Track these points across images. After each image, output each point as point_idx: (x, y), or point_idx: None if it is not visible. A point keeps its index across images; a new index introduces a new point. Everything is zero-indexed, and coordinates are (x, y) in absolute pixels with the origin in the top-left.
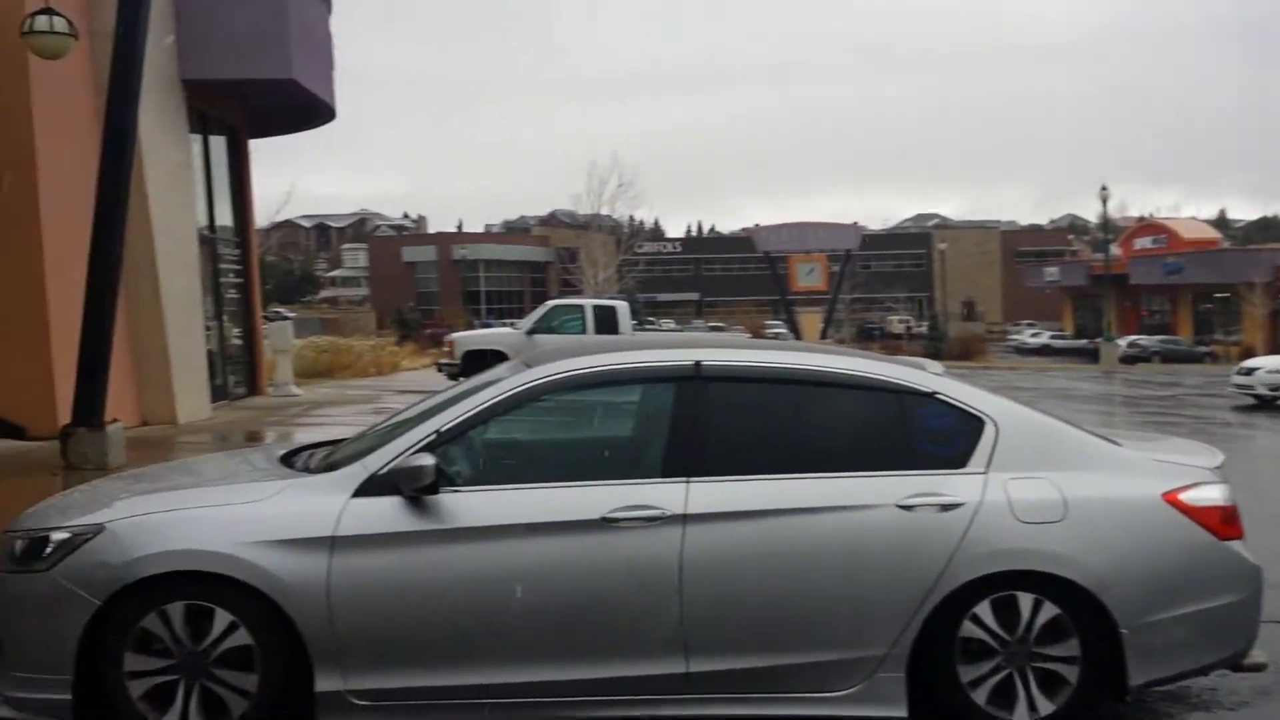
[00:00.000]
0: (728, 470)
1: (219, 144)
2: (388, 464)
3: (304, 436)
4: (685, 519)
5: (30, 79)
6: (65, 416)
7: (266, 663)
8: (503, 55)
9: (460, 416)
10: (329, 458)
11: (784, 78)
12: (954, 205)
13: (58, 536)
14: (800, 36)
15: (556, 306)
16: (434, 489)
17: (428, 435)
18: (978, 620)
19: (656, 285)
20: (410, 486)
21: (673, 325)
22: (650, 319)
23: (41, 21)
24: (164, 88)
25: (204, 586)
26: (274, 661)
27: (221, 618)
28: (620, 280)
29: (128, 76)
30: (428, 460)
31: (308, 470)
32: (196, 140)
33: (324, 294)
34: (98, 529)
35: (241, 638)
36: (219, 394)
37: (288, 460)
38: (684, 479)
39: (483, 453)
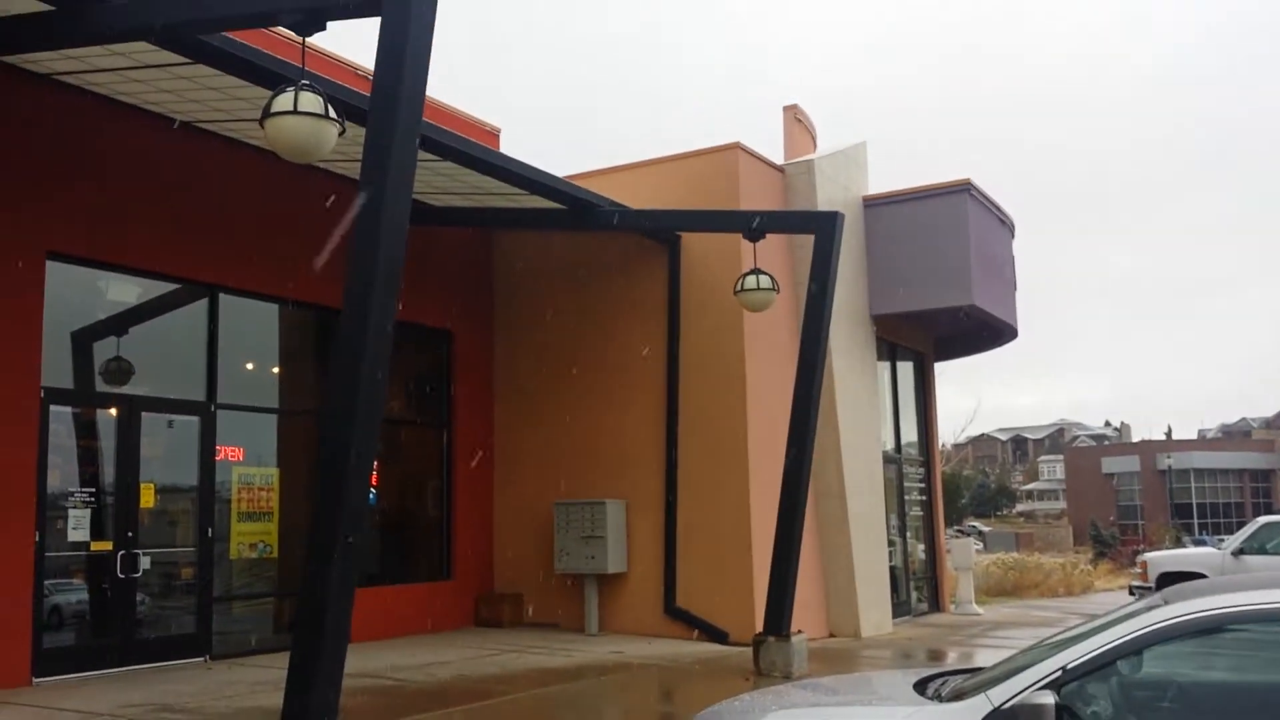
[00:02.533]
0: None
1: (905, 369)
2: (1010, 699)
3: (982, 658)
4: None
5: (744, 321)
6: (760, 626)
7: None
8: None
9: (1088, 654)
10: (960, 686)
11: None
12: None
13: None
14: None
15: (1270, 524)
16: None
17: (1053, 671)
18: None
19: None
20: None
21: None
22: None
23: (750, 281)
24: (855, 323)
25: None
26: None
27: None
28: None
29: (818, 322)
30: (1048, 699)
31: (938, 698)
32: (884, 367)
33: (1020, 508)
34: None
35: None
36: (901, 610)
37: (922, 686)
38: None
39: (1125, 692)
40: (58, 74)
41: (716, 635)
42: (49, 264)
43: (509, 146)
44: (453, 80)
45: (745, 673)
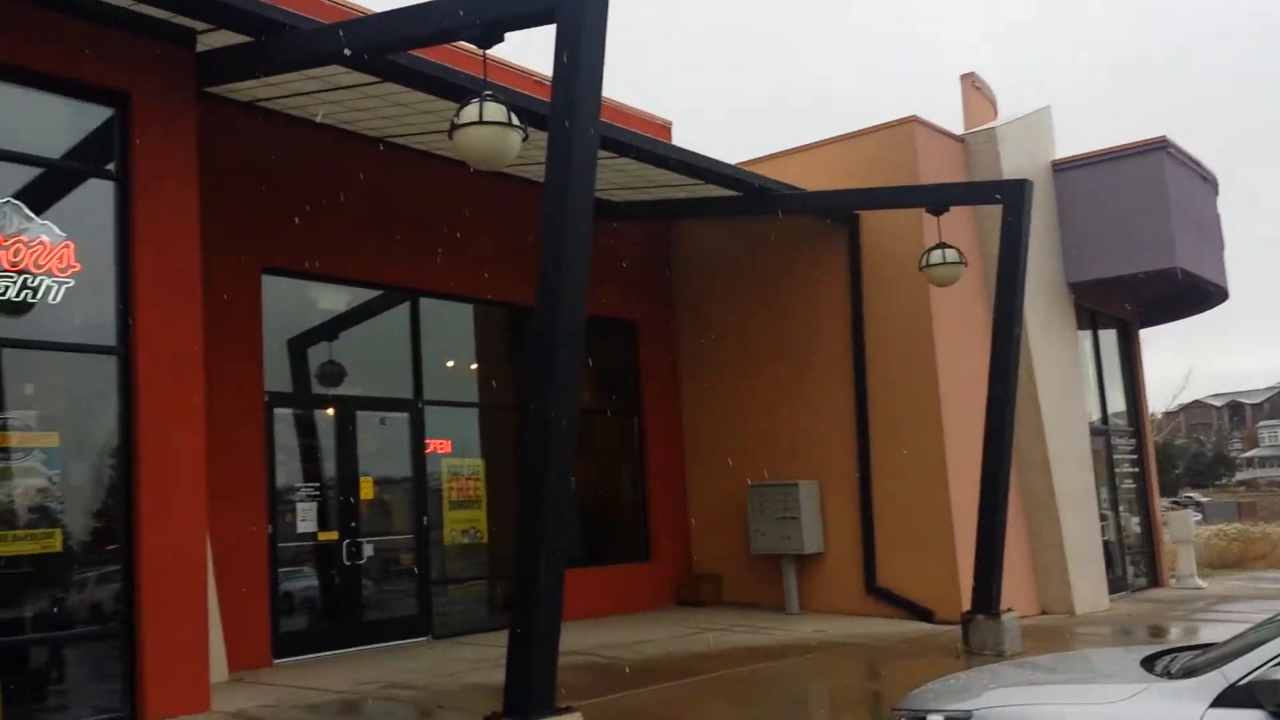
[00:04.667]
0: None
1: (1108, 337)
2: (1248, 674)
3: (1208, 633)
4: None
5: (930, 295)
6: (967, 604)
7: None
8: None
9: None
10: (1192, 662)
11: None
12: None
13: (932, 719)
14: None
15: None
16: None
17: None
18: None
19: None
20: (1271, 701)
21: None
22: None
23: (935, 255)
24: (1051, 292)
25: None
26: None
27: None
28: None
29: (1011, 292)
30: None
31: (1167, 674)
32: (1085, 336)
33: (1240, 476)
34: (965, 715)
35: None
36: (1117, 585)
37: (1149, 663)
38: None
39: None
40: (259, 100)
41: (921, 614)
42: (265, 278)
43: (680, 138)
44: (617, 74)
45: (955, 651)
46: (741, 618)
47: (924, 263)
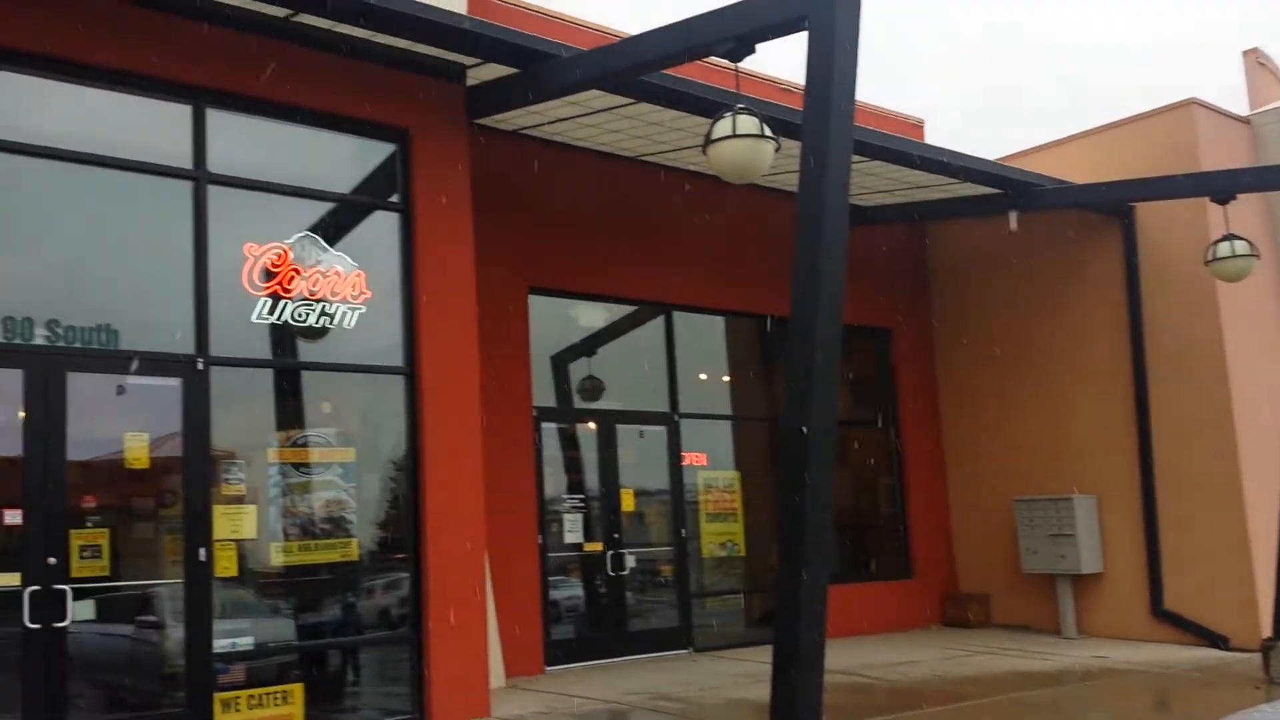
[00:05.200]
0: None
1: None
2: None
3: None
4: None
5: (1218, 293)
6: (1266, 629)
7: None
8: None
9: None
10: None
11: None
12: None
13: None
14: None
15: None
16: None
17: None
18: None
19: None
20: None
21: None
22: None
23: (1223, 248)
24: None
25: None
26: None
27: None
28: None
29: None
30: None
31: None
32: None
33: None
34: None
35: None
36: None
37: None
38: None
39: None
40: (523, 129)
41: (1213, 640)
42: (530, 298)
43: (934, 136)
44: (864, 75)
45: (1254, 681)
46: (1012, 640)
47: (1210, 256)
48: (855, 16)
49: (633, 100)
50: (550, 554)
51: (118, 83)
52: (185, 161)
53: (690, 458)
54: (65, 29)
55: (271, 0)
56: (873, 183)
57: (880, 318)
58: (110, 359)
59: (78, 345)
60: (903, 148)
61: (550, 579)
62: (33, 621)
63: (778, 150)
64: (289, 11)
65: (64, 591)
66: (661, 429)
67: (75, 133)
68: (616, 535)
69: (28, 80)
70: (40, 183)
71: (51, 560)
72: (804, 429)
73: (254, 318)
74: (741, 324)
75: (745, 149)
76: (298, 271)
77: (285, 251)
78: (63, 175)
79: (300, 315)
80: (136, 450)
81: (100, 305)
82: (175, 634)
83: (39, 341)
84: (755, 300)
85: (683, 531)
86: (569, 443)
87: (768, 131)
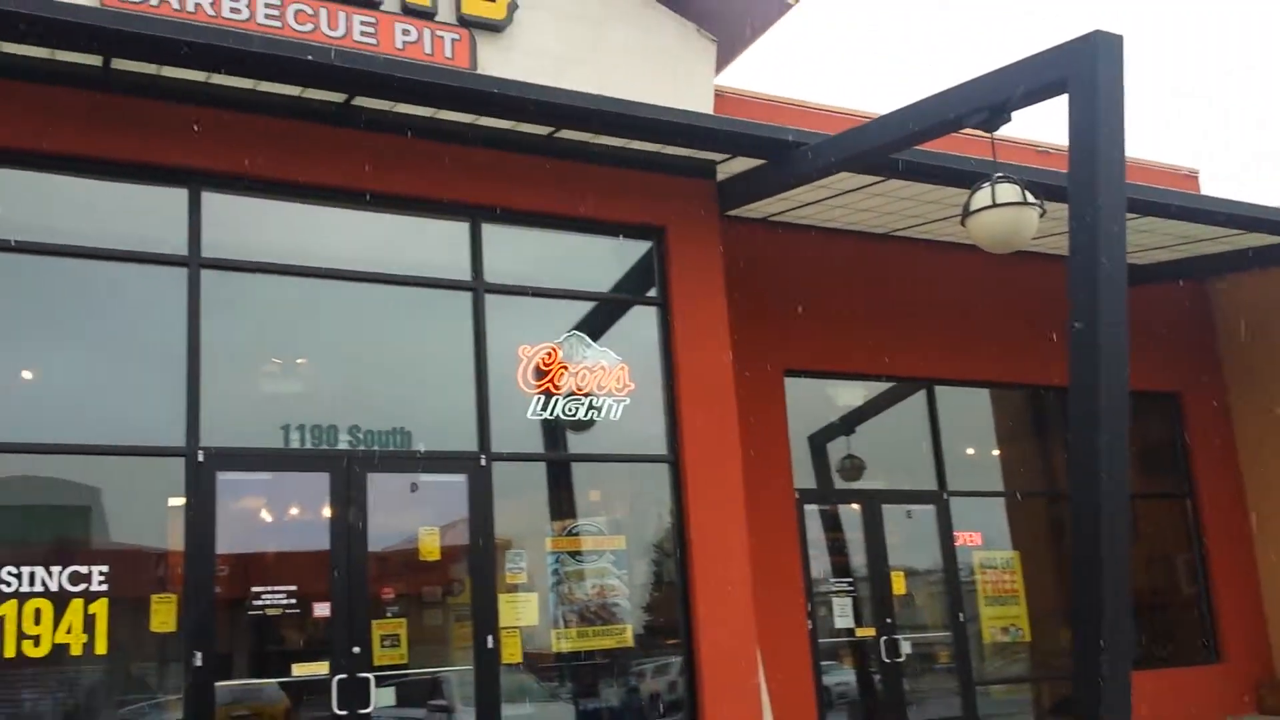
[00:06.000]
0: None
1: None
2: None
3: None
4: None
5: None
6: None
7: None
8: None
9: None
10: None
11: None
12: None
13: None
14: None
15: None
16: None
17: None
18: None
19: None
20: None
21: None
22: None
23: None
24: None
25: None
26: None
27: None
28: None
29: None
30: None
31: None
32: None
33: None
34: None
35: None
36: None
37: None
38: None
39: None
40: (772, 216)
41: None
42: (787, 380)
43: (1210, 187)
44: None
45: None
46: None
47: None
48: (1118, 72)
49: (881, 179)
50: (820, 639)
51: (406, 208)
52: (464, 274)
53: (963, 537)
54: (354, 165)
55: (535, 120)
56: (1147, 240)
57: (1164, 381)
58: (404, 459)
59: (376, 448)
60: (1180, 202)
61: (821, 664)
62: (340, 708)
63: (1042, 216)
64: (550, 129)
65: (367, 680)
66: (930, 508)
67: (369, 255)
68: (889, 620)
69: (333, 213)
70: (338, 301)
71: (356, 650)
72: (1095, 504)
73: (529, 414)
74: (1008, 395)
75: (1007, 218)
76: (566, 368)
77: (554, 350)
78: (358, 294)
79: (570, 410)
80: (429, 543)
81: (394, 410)
82: (464, 718)
83: (342, 446)
84: (1022, 370)
85: (961, 615)
86: (832, 524)
87: (1030, 198)
